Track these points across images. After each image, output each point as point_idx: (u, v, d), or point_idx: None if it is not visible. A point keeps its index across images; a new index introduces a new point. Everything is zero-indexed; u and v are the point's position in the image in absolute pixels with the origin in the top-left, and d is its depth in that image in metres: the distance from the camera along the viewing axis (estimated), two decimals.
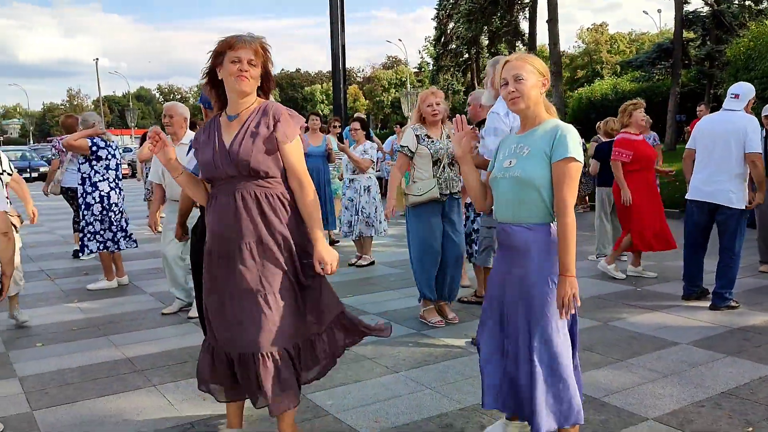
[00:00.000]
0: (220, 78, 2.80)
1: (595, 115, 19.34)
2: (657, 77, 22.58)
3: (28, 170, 24.11)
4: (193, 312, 5.49)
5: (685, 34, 21.09)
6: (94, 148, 6.37)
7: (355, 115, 9.18)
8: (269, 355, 2.76)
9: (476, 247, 5.62)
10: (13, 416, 3.54)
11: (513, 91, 2.73)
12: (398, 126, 14.88)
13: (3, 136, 78.61)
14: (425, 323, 5.14)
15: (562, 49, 26.99)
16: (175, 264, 5.60)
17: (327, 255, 2.80)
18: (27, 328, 5.29)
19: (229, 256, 2.80)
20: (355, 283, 6.74)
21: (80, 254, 6.78)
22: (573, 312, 2.69)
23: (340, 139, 9.47)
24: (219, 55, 2.76)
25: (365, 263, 7.56)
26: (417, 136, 4.97)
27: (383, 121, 65.09)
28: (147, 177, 7.75)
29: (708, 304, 5.47)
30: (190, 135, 5.34)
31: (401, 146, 5.03)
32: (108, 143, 6.48)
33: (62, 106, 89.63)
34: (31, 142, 59.28)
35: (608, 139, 7.60)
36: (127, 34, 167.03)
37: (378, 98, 68.89)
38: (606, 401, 3.59)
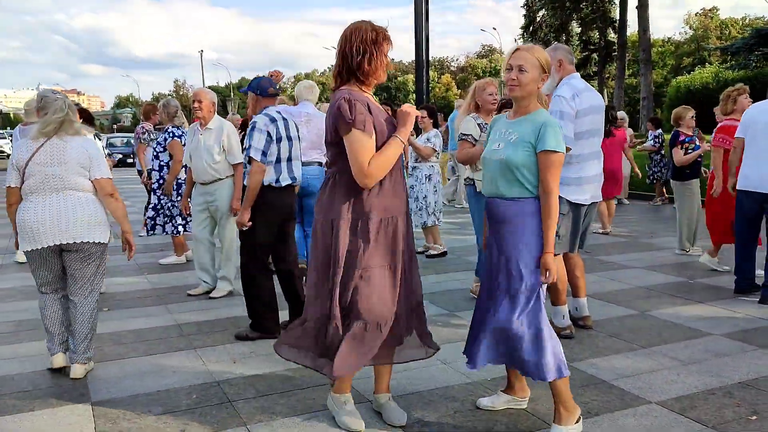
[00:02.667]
0: (369, 67, 2.90)
1: (694, 105, 18.37)
2: (754, 64, 21.18)
3: (132, 156, 25.74)
4: (217, 293, 5.70)
5: None
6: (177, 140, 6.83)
7: (424, 104, 9.30)
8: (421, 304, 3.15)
9: None
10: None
11: (513, 80, 3.01)
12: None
13: (117, 124, 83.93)
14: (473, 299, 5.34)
15: (668, 36, 25.85)
16: (204, 247, 5.75)
17: None
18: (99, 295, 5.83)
19: (395, 229, 2.99)
20: None
21: (148, 233, 7.20)
22: (553, 281, 2.93)
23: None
24: (375, 43, 2.89)
25: (436, 253, 7.44)
26: (479, 125, 5.14)
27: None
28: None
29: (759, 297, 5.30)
30: (216, 120, 5.46)
31: (464, 134, 5.13)
32: (182, 129, 6.93)
33: (169, 96, 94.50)
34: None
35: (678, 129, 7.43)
36: (231, 26, 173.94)
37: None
38: (615, 384, 3.63)
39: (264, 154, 4.37)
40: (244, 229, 4.40)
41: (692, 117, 7.48)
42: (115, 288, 6.11)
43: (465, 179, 5.46)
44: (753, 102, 5.98)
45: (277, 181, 4.50)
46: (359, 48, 2.88)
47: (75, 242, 3.76)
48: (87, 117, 7.11)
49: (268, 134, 4.41)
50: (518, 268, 2.95)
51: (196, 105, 5.38)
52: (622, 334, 4.50)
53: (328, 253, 2.97)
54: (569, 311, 4.52)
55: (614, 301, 5.38)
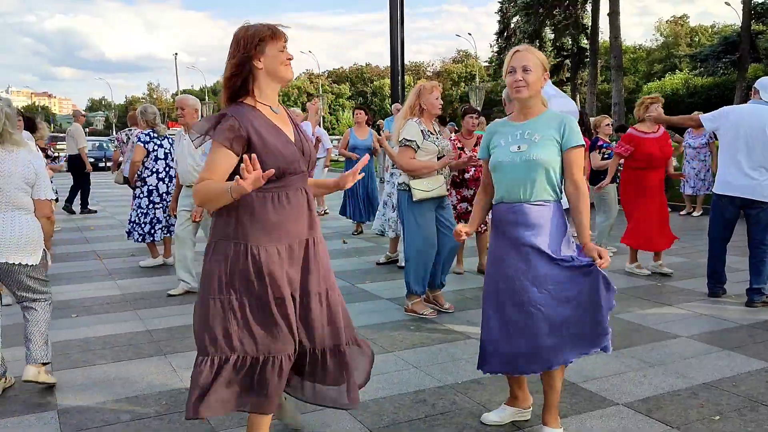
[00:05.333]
0: (259, 67, 2.58)
1: (665, 110, 18.61)
2: (722, 71, 21.59)
3: (104, 159, 25.41)
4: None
5: (753, 26, 20.09)
6: (149, 146, 6.85)
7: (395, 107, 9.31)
8: (349, 342, 2.79)
9: None
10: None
11: (520, 80, 2.98)
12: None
13: (89, 128, 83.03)
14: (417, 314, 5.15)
15: (639, 43, 26.28)
16: (186, 247, 5.86)
17: None
18: (67, 301, 5.75)
19: (296, 254, 2.66)
20: (376, 270, 6.95)
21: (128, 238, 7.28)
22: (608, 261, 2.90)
23: (378, 131, 9.62)
24: (260, 42, 2.55)
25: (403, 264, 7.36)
26: (422, 131, 4.91)
27: (451, 116, 65.07)
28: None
29: (726, 300, 5.44)
30: None
31: (408, 140, 4.86)
32: (152, 134, 6.90)
33: (143, 99, 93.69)
34: (114, 133, 62.31)
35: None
36: (203, 29, 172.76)
37: (446, 92, 68.67)
38: (583, 386, 3.68)
39: None
40: None
41: (607, 124, 7.82)
42: (84, 294, 6.03)
43: (399, 184, 5.12)
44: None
45: None
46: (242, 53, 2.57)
47: (3, 262, 3.58)
48: (29, 125, 7.28)
49: None
50: (562, 267, 2.92)
51: (179, 112, 5.68)
52: None
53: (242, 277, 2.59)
54: None
55: None
